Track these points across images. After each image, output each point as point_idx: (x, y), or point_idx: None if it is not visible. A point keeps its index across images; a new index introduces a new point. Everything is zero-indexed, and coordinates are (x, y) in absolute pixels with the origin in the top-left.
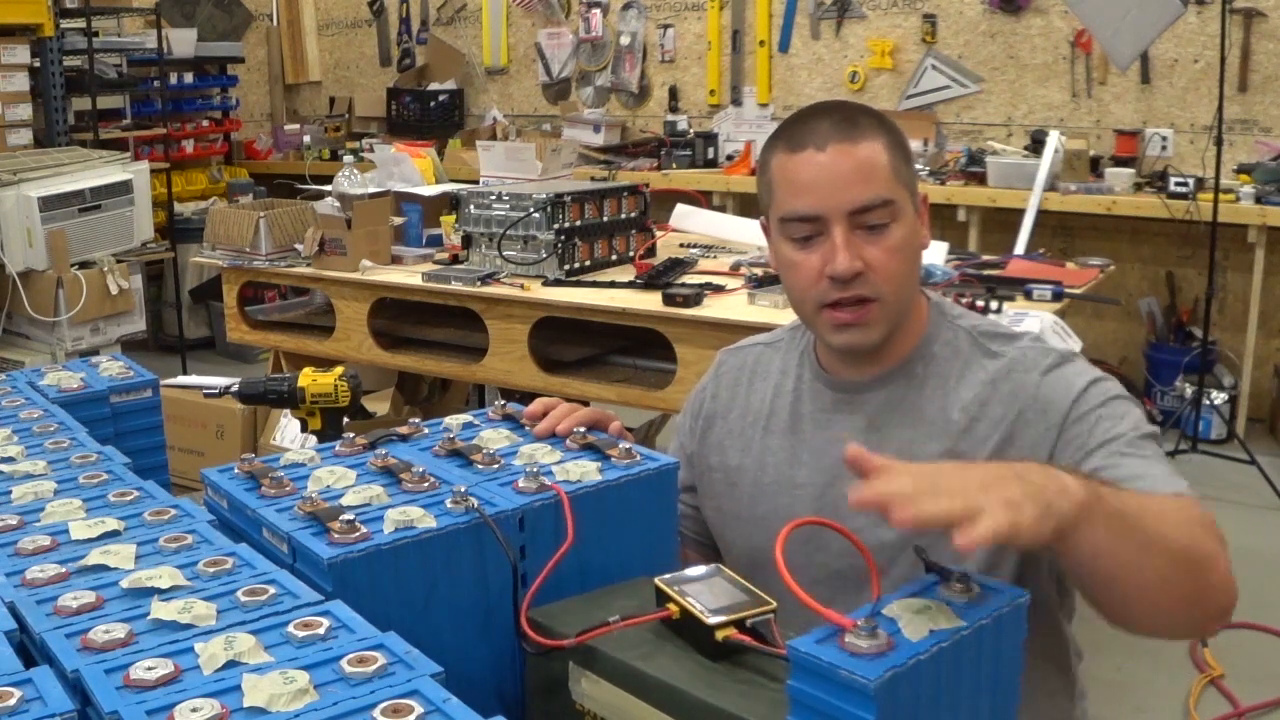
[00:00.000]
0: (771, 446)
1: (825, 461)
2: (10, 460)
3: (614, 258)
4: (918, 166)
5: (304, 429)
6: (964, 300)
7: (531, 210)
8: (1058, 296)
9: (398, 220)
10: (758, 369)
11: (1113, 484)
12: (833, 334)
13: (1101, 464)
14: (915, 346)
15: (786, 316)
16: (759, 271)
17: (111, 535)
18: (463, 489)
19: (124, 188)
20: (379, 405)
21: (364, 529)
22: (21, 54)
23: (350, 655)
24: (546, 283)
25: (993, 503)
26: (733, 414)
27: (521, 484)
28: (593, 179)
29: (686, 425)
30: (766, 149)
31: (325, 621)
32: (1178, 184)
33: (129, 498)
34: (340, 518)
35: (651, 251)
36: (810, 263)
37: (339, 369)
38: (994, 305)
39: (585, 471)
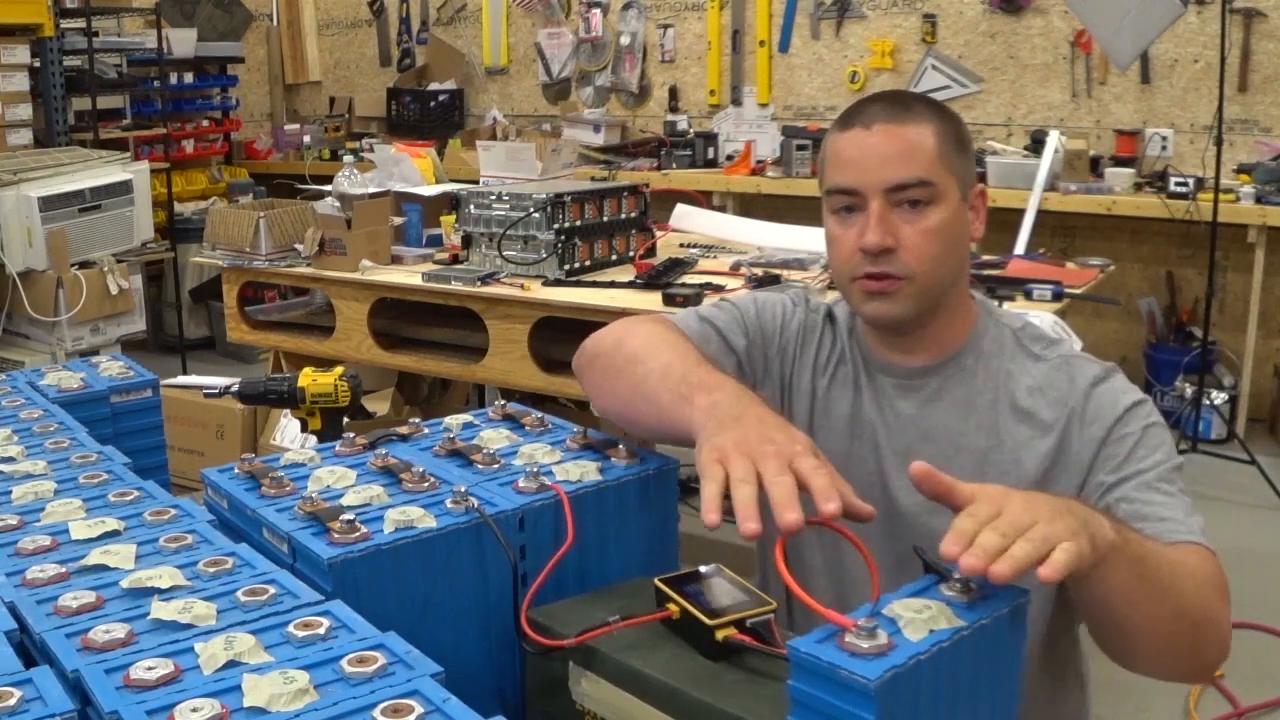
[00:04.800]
0: (834, 413)
1: (877, 440)
2: (10, 460)
3: (614, 258)
4: None
5: (304, 429)
6: None
7: (531, 210)
8: (1058, 296)
9: (398, 220)
10: (823, 335)
11: (1135, 517)
12: (863, 303)
13: (1129, 494)
14: (967, 339)
15: None
16: (759, 271)
17: (111, 535)
18: (463, 489)
19: (124, 188)
20: (379, 405)
21: (364, 529)
22: (21, 54)
23: (350, 655)
24: (546, 283)
25: (1062, 534)
26: (800, 361)
27: (521, 484)
28: (593, 179)
29: (756, 323)
30: (827, 133)
31: (325, 621)
32: (1178, 184)
33: (129, 498)
34: (340, 518)
35: (651, 251)
36: (848, 237)
37: (339, 369)
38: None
39: (585, 471)
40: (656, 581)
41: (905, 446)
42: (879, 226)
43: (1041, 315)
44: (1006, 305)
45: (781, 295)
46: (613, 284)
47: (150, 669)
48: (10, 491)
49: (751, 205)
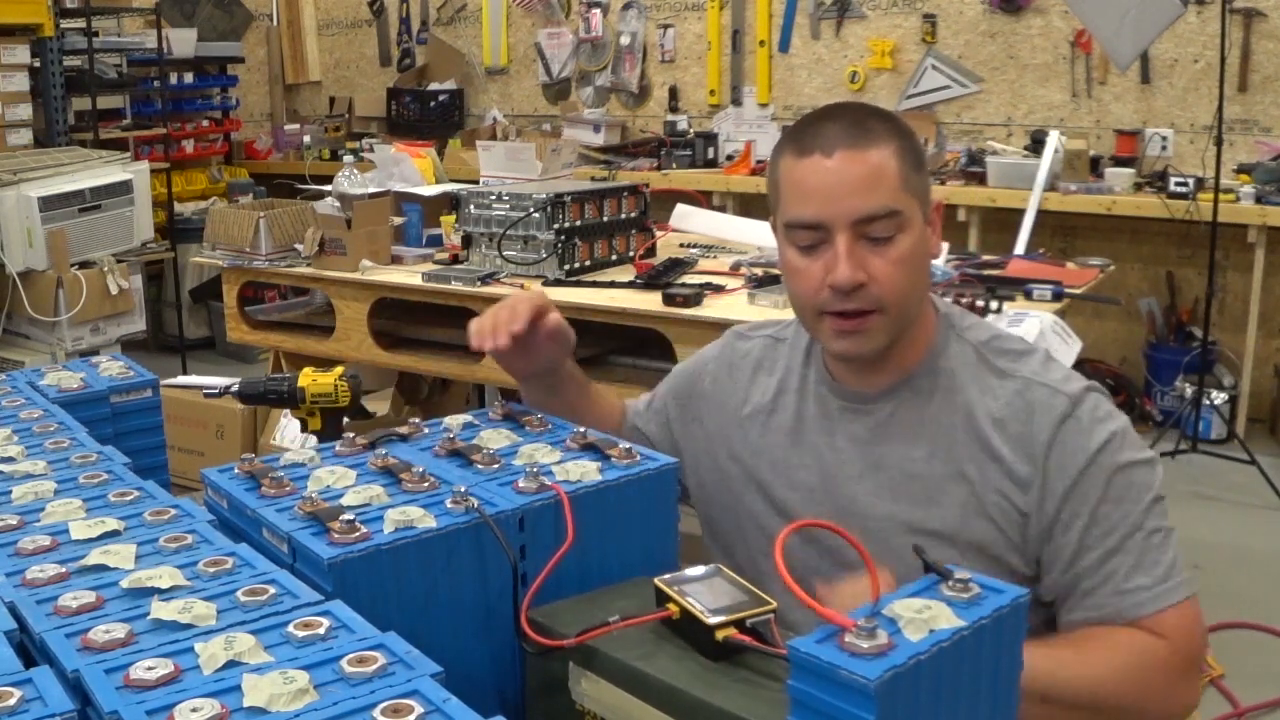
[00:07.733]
0: (770, 443)
1: (823, 465)
2: (10, 460)
3: (614, 258)
4: None
5: (304, 429)
6: (964, 300)
7: (531, 210)
8: (1058, 296)
9: (398, 220)
10: (763, 362)
11: (1089, 597)
12: (833, 340)
13: (1088, 568)
14: (923, 359)
15: (786, 316)
16: (759, 271)
17: (111, 535)
18: (463, 489)
19: (124, 188)
20: (379, 405)
21: (364, 529)
22: (21, 54)
23: (350, 655)
24: (546, 283)
25: None
26: (731, 401)
27: (521, 484)
28: (593, 179)
29: (669, 400)
30: (776, 150)
31: (325, 621)
32: (1178, 184)
33: (129, 498)
34: (340, 518)
35: (651, 251)
36: (813, 270)
37: (339, 369)
38: (994, 305)
39: (585, 471)
40: (656, 581)
41: (856, 474)
42: (849, 262)
43: (1041, 315)
44: (1007, 305)
45: (707, 354)
46: (613, 284)
47: (150, 669)
48: (10, 491)
49: (751, 205)
